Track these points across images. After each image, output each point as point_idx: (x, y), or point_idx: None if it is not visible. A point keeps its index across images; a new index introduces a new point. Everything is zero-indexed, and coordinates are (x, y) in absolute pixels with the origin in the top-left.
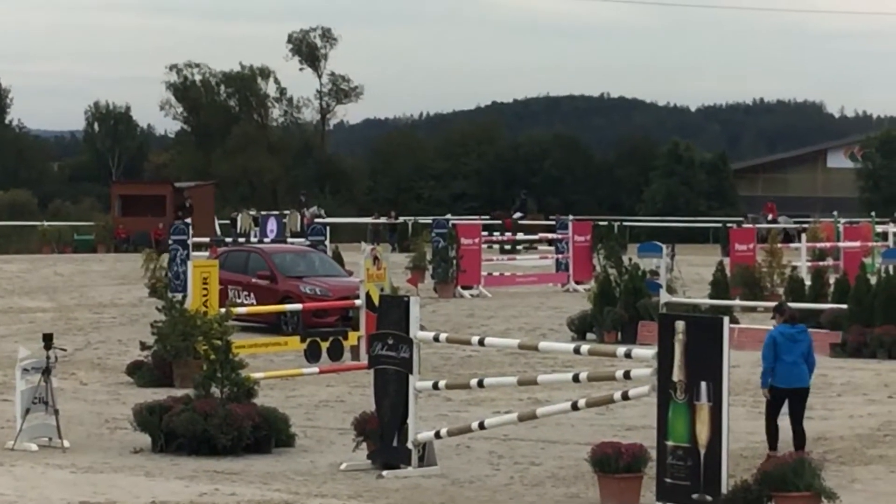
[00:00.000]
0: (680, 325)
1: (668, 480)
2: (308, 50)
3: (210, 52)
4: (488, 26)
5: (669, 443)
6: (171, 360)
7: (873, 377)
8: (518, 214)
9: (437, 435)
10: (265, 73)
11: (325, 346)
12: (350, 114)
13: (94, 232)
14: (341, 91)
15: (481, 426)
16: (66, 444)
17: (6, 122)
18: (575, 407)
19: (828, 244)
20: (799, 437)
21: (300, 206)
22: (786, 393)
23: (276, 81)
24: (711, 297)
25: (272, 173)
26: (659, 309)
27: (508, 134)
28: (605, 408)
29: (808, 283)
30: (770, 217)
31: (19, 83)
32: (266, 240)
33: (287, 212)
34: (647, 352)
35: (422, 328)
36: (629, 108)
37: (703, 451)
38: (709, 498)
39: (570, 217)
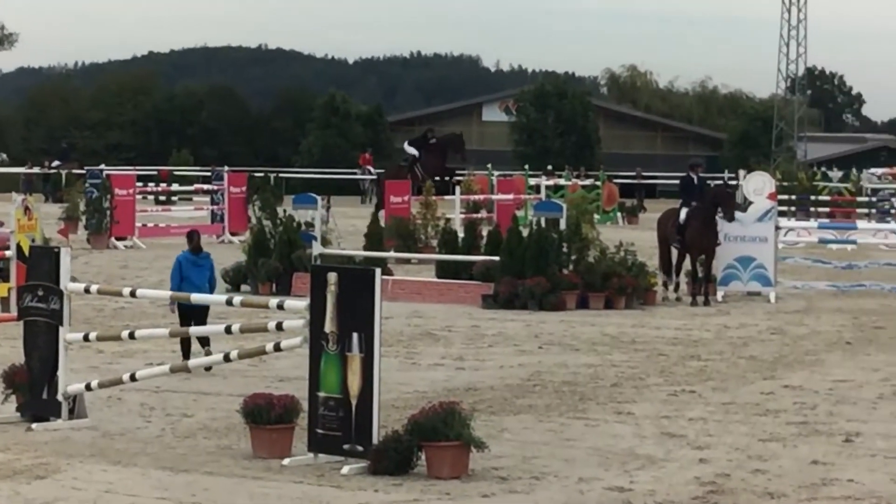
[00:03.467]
0: (332, 276)
1: (320, 431)
2: None
3: None
4: None
5: (321, 394)
6: None
7: (524, 328)
8: (56, 163)
9: (88, 387)
10: None
11: None
12: (3, 62)
13: None
14: None
15: (133, 378)
16: None
17: None
18: (227, 358)
19: (481, 197)
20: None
21: None
22: (189, 311)
23: None
24: (366, 248)
25: None
26: (312, 261)
27: (165, 84)
28: (259, 359)
29: (461, 235)
30: (366, 168)
31: None
32: None
33: None
34: (300, 303)
35: (73, 279)
36: (287, 60)
37: (354, 402)
38: (360, 448)
39: (226, 168)
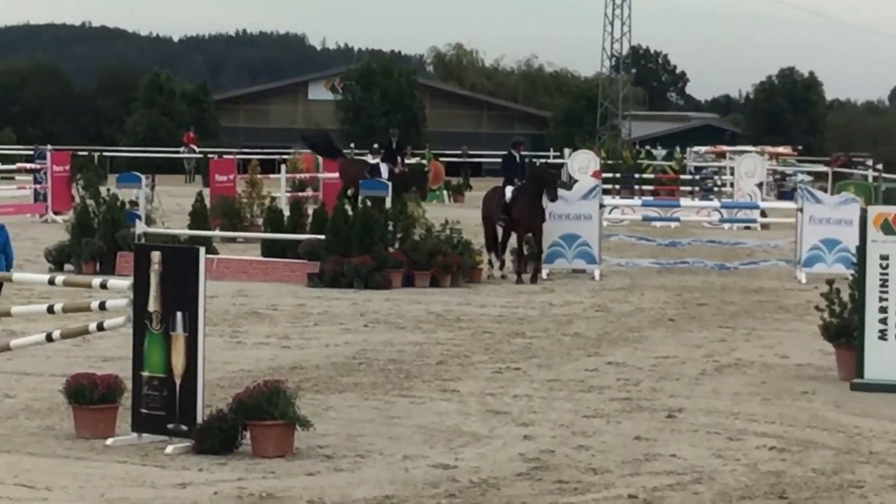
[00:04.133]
0: (156, 255)
1: (144, 411)
2: None
3: None
4: None
5: (145, 373)
6: None
7: (349, 306)
8: None
9: None
10: None
11: None
12: None
13: None
14: None
15: None
16: None
17: None
18: (50, 338)
19: (307, 175)
20: None
21: None
22: None
23: None
24: (191, 227)
25: None
26: (136, 240)
27: None
28: (82, 339)
29: (287, 213)
30: (191, 147)
31: None
32: None
33: None
34: (123, 282)
35: None
36: (111, 38)
37: (178, 381)
38: (184, 427)
39: (49, 147)
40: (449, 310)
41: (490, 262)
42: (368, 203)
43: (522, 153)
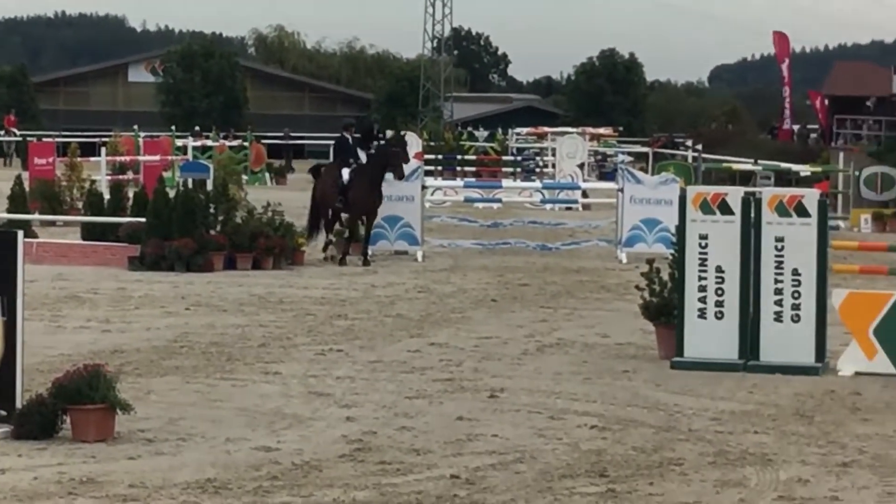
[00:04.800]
0: None
1: None
2: None
3: None
4: None
5: None
6: None
7: (171, 289)
8: None
9: None
10: None
11: None
12: None
13: None
14: None
15: None
16: None
17: None
18: None
19: (128, 158)
20: None
21: None
22: None
23: None
24: (10, 211)
25: None
26: None
27: None
28: None
29: (107, 197)
30: (11, 130)
31: None
32: None
33: None
34: None
35: None
36: None
37: None
38: (2, 412)
39: None
40: (271, 292)
41: (327, 245)
42: (189, 184)
43: (354, 134)
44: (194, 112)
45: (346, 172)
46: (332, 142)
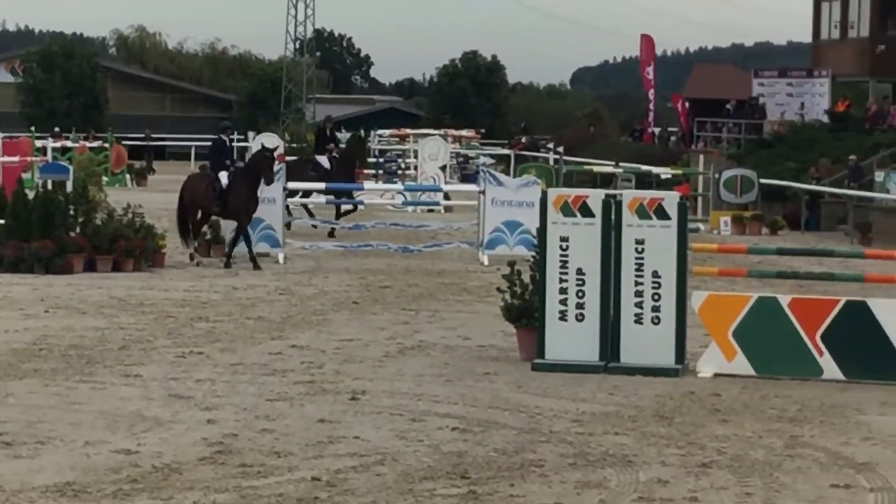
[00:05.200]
0: None
1: None
2: None
3: None
4: None
5: None
6: None
7: (31, 291)
8: None
9: None
10: None
11: None
12: None
13: None
14: None
15: None
16: None
17: None
18: None
19: None
20: None
21: None
22: None
23: None
24: None
25: None
26: None
27: None
28: None
29: None
30: None
31: None
32: None
33: None
34: None
35: None
36: None
37: None
38: None
39: None
40: (132, 294)
41: (194, 251)
42: (49, 185)
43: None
44: (55, 113)
45: (223, 176)
46: (193, 144)
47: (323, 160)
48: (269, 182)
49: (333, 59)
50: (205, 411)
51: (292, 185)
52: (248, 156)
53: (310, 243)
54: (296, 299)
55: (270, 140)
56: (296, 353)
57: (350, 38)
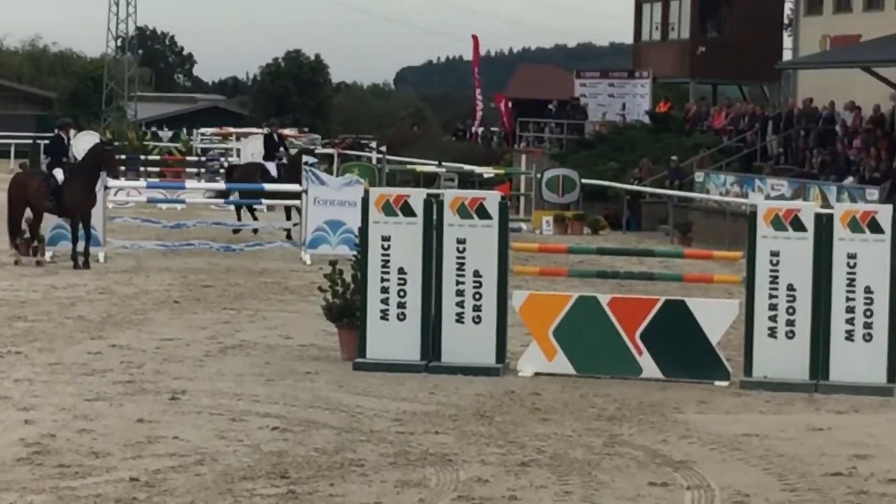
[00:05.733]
0: None
1: None
2: None
3: None
4: None
5: None
6: None
7: None
8: None
9: None
10: None
11: None
12: None
13: None
14: None
15: None
16: None
17: None
18: None
19: None
20: None
21: None
22: None
23: None
24: None
25: None
26: None
27: None
28: None
29: None
30: None
31: None
32: None
33: None
34: None
35: None
36: None
37: None
38: None
39: None
40: None
41: (17, 249)
42: None
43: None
44: None
45: (59, 173)
46: (12, 141)
47: (271, 167)
48: (114, 176)
49: (156, 57)
50: (22, 411)
51: (115, 183)
52: (73, 153)
53: (131, 242)
54: (116, 298)
55: (91, 138)
56: (115, 353)
57: (173, 36)
